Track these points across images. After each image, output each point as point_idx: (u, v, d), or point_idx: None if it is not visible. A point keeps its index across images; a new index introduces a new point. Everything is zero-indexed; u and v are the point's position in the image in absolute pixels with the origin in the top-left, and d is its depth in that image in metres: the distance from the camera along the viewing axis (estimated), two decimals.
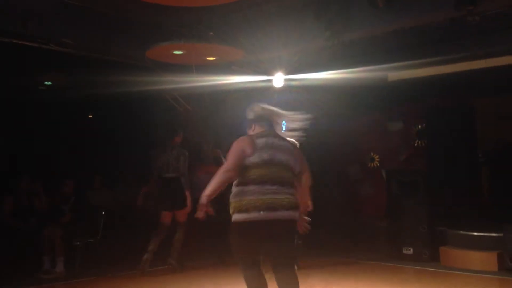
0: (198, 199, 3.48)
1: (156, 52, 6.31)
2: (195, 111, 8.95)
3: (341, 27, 5.67)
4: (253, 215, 3.35)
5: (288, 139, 3.77)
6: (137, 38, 6.46)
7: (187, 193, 6.72)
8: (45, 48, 6.05)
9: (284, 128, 4.00)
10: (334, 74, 6.86)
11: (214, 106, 9.07)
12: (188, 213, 6.68)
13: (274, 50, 6.52)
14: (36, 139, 8.81)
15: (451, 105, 8.23)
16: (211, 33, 6.12)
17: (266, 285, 3.55)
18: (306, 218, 3.78)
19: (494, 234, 6.51)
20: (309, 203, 6.52)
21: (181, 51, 6.18)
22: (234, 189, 3.49)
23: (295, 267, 6.43)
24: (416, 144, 8.75)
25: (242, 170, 3.43)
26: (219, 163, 5.45)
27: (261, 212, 3.34)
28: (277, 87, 7.33)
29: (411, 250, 7.11)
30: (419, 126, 8.71)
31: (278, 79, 7.26)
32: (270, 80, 7.29)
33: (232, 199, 3.47)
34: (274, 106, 3.87)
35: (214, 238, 7.35)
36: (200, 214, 3.43)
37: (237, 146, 3.50)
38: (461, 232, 6.81)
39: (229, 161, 3.46)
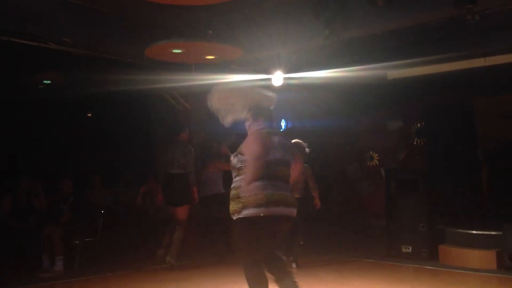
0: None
1: (155, 51, 6.30)
2: (194, 110, 8.94)
3: (340, 25, 5.67)
4: (266, 210, 3.39)
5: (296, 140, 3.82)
6: (136, 36, 6.45)
7: (194, 189, 6.77)
8: (44, 47, 6.04)
9: (284, 127, 4.02)
10: (333, 72, 6.86)
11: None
12: (188, 209, 6.75)
13: (273, 48, 6.51)
14: (35, 139, 8.81)
15: (450, 103, 8.24)
16: (210, 31, 6.11)
17: (268, 285, 3.52)
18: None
19: (493, 233, 6.51)
20: (317, 201, 6.60)
21: (180, 49, 6.17)
22: (244, 184, 3.47)
23: (294, 265, 6.49)
24: (415, 143, 8.76)
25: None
26: (227, 159, 5.46)
27: (274, 208, 3.41)
28: (276, 86, 7.32)
29: (410, 248, 7.12)
30: (419, 125, 8.71)
31: (277, 78, 7.25)
32: (269, 79, 7.28)
33: (242, 194, 3.44)
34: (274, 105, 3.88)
35: (213, 237, 7.37)
36: None
37: (261, 141, 3.54)
38: (460, 230, 6.81)
39: (257, 149, 3.46)
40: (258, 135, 3.61)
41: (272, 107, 3.84)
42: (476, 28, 5.58)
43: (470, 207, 7.56)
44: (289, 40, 6.17)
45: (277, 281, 3.57)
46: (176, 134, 6.94)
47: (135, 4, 5.37)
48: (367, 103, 8.47)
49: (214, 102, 3.77)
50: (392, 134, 8.99)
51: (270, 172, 3.49)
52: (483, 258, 6.45)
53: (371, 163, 9.27)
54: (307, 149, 5.99)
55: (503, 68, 6.71)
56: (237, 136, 8.37)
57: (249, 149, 3.53)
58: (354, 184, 9.41)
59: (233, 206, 3.49)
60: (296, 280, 3.58)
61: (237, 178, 3.54)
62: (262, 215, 3.38)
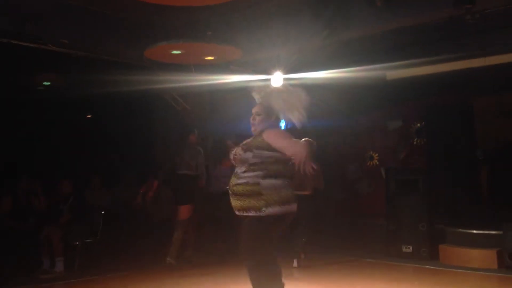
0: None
1: (155, 52, 6.29)
2: (193, 110, 8.95)
3: (340, 26, 5.67)
4: (286, 208, 3.47)
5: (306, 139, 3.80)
6: (136, 38, 6.45)
7: (201, 186, 7.02)
8: (43, 48, 6.04)
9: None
10: (333, 73, 6.86)
11: (212, 105, 9.08)
12: (191, 210, 6.83)
13: (273, 49, 6.51)
14: (35, 140, 8.81)
15: (450, 103, 8.23)
16: (210, 32, 6.11)
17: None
18: None
19: (493, 232, 6.52)
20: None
21: (180, 50, 6.17)
22: (264, 181, 3.46)
23: (296, 263, 6.55)
24: (415, 143, 8.75)
25: (274, 162, 3.51)
26: None
27: (290, 205, 3.50)
28: (272, 83, 7.32)
29: (411, 248, 7.12)
30: (418, 125, 8.71)
31: (277, 78, 7.25)
32: (268, 79, 7.28)
33: (264, 191, 3.43)
34: None
35: (215, 237, 7.38)
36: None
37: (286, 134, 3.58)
38: (461, 230, 6.82)
39: (289, 140, 3.49)
40: (283, 131, 3.67)
41: None
42: (475, 28, 5.57)
43: (470, 206, 7.55)
44: (289, 41, 6.17)
45: None
46: (186, 137, 7.06)
47: (134, 5, 5.35)
48: (366, 103, 8.48)
49: (278, 103, 3.74)
50: (391, 134, 8.99)
51: (287, 170, 3.58)
52: (483, 257, 6.46)
53: (371, 163, 9.27)
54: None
55: (502, 67, 6.71)
56: (236, 136, 8.39)
57: (279, 134, 3.56)
58: (354, 184, 9.41)
59: (250, 203, 3.44)
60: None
61: (251, 174, 3.49)
62: (283, 212, 3.46)
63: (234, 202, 3.54)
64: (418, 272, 6.46)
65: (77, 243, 6.81)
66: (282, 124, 3.97)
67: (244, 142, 3.66)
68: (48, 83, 8.13)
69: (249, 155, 3.54)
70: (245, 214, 3.49)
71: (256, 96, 3.86)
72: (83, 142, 9.14)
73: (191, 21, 6.16)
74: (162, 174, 8.54)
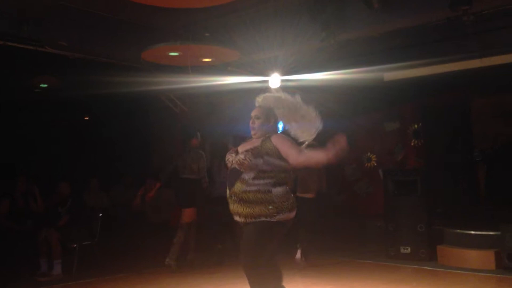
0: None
1: (152, 54, 6.30)
2: (191, 112, 8.94)
3: (337, 27, 5.68)
4: (292, 214, 3.57)
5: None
6: (133, 39, 6.46)
7: (204, 187, 7.06)
8: (40, 50, 6.03)
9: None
10: (330, 74, 6.87)
11: (210, 107, 9.07)
12: (194, 213, 6.88)
13: (270, 50, 6.51)
14: (33, 142, 8.79)
15: (447, 104, 8.25)
16: (207, 34, 6.11)
17: None
18: None
19: (491, 233, 6.52)
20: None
21: (177, 52, 6.16)
22: (275, 189, 3.50)
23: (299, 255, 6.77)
24: (412, 144, 8.76)
25: (282, 171, 3.57)
26: None
27: (294, 211, 3.59)
28: (273, 88, 7.33)
29: (409, 249, 7.12)
30: (416, 126, 8.72)
31: (274, 80, 7.26)
32: (266, 81, 7.29)
33: (276, 199, 3.48)
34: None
35: (214, 239, 7.36)
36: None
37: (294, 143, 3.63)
38: (459, 231, 6.82)
39: (297, 147, 3.56)
40: (291, 139, 3.69)
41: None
42: (472, 29, 5.59)
43: (468, 207, 7.57)
44: (286, 42, 6.18)
45: None
46: (188, 141, 7.06)
47: (132, 7, 5.36)
48: (364, 105, 8.48)
49: (284, 115, 3.83)
50: (389, 135, 9.00)
51: (289, 177, 3.65)
52: (481, 258, 6.46)
53: (369, 164, 9.27)
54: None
55: (499, 68, 6.72)
56: (234, 138, 8.39)
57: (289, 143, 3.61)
58: (352, 185, 9.42)
59: (261, 210, 3.45)
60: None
61: (261, 181, 3.49)
62: (289, 218, 3.55)
63: (241, 209, 3.50)
64: (417, 273, 6.46)
65: (75, 245, 6.79)
66: (280, 126, 3.97)
67: (248, 148, 3.61)
68: (45, 85, 8.12)
69: (259, 161, 3.52)
70: (253, 220, 3.48)
71: (257, 99, 3.87)
72: (80, 144, 9.13)
73: (189, 23, 6.17)
74: (163, 176, 8.54)
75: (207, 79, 7.18)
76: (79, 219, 7.04)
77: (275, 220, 3.46)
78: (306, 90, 7.71)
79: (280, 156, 3.54)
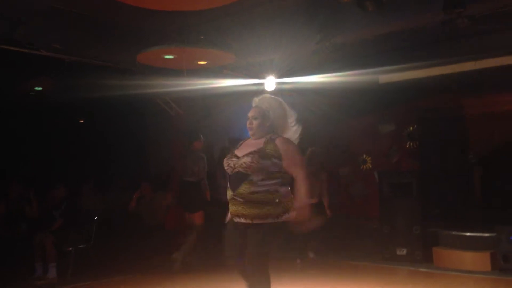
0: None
1: (147, 57, 6.29)
2: (186, 115, 8.93)
3: (332, 30, 5.69)
4: (293, 214, 3.57)
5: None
6: (128, 42, 6.44)
7: (207, 194, 7.14)
8: (35, 53, 6.01)
9: None
10: (325, 77, 6.88)
11: (206, 110, 9.07)
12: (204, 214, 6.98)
13: (266, 53, 6.52)
14: (27, 145, 8.76)
15: (442, 106, 8.26)
16: (202, 37, 6.10)
17: None
18: None
19: (486, 235, 6.54)
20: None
21: (172, 55, 6.16)
22: (282, 189, 3.55)
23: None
24: (407, 146, 8.77)
25: (286, 172, 3.61)
26: None
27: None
28: (268, 91, 7.33)
29: (405, 251, 7.13)
30: (411, 128, 8.73)
31: (270, 83, 7.26)
32: (261, 84, 7.29)
33: (283, 199, 3.53)
34: None
35: (213, 241, 7.35)
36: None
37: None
38: (454, 232, 6.84)
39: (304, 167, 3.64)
40: (295, 145, 3.73)
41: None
42: (466, 32, 5.61)
43: (463, 209, 7.58)
44: (282, 45, 6.18)
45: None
46: (191, 144, 7.10)
47: (126, 10, 5.34)
48: (359, 107, 8.49)
49: (279, 121, 3.83)
50: (384, 137, 9.01)
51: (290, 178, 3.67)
52: (477, 260, 6.48)
53: (364, 167, 9.28)
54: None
55: (493, 71, 6.75)
56: (229, 140, 8.39)
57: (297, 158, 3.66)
58: (347, 188, 9.42)
59: (269, 210, 3.47)
60: None
61: (270, 182, 3.51)
62: (291, 218, 3.57)
63: (248, 210, 3.48)
64: (412, 275, 6.48)
65: (70, 249, 6.78)
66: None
67: (251, 150, 3.59)
68: (40, 88, 8.10)
69: (267, 163, 3.53)
70: (259, 221, 3.47)
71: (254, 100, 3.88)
72: (75, 147, 9.10)
73: (184, 26, 6.16)
74: (156, 178, 8.51)
75: (202, 82, 7.18)
76: (74, 223, 7.02)
77: (281, 220, 3.50)
78: (301, 93, 7.77)
79: (282, 159, 3.57)
